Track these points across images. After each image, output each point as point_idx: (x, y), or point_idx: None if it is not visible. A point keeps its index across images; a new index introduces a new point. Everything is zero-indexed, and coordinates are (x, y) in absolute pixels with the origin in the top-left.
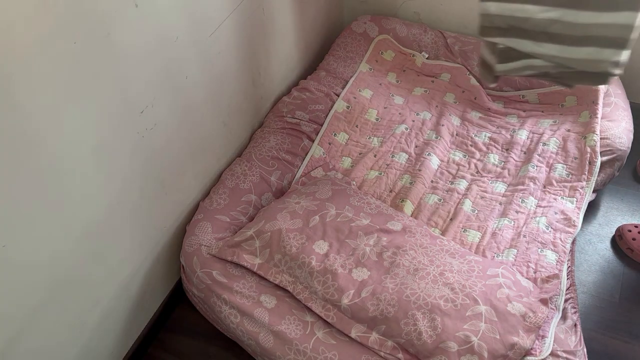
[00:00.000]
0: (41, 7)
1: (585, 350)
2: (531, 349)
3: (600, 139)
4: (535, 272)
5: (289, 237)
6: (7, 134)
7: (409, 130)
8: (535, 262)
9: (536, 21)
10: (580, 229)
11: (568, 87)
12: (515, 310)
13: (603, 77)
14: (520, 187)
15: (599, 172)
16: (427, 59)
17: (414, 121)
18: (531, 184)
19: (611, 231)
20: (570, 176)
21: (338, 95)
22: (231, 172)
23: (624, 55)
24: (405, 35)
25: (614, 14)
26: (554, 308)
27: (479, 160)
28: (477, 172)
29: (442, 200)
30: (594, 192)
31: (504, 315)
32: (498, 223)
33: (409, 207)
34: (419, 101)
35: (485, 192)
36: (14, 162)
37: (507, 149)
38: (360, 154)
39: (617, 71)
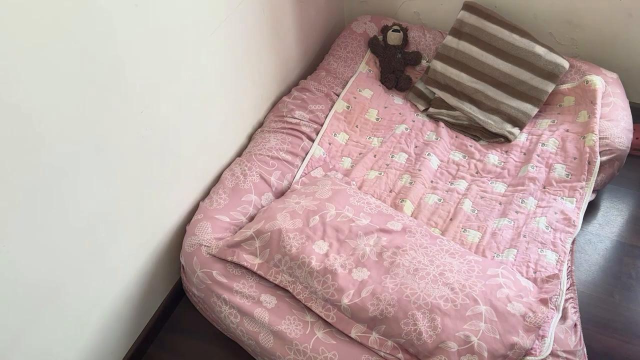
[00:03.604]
0: (41, 7)
1: (585, 350)
2: (531, 348)
3: (600, 138)
4: (535, 272)
5: (288, 237)
6: (8, 134)
7: (409, 130)
8: (535, 262)
9: (465, 86)
10: (580, 229)
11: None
12: (515, 310)
13: (503, 138)
14: (520, 187)
15: (599, 172)
16: (426, 62)
17: (414, 121)
18: (531, 184)
19: (611, 231)
20: (570, 176)
21: (338, 95)
22: (231, 172)
23: (517, 131)
24: None
25: (521, 102)
26: (554, 308)
27: (478, 160)
28: (477, 172)
29: (442, 200)
30: (593, 192)
31: (504, 315)
32: (498, 223)
33: (409, 207)
34: None
35: (485, 192)
36: (14, 162)
37: (506, 150)
38: (360, 154)
39: (512, 137)
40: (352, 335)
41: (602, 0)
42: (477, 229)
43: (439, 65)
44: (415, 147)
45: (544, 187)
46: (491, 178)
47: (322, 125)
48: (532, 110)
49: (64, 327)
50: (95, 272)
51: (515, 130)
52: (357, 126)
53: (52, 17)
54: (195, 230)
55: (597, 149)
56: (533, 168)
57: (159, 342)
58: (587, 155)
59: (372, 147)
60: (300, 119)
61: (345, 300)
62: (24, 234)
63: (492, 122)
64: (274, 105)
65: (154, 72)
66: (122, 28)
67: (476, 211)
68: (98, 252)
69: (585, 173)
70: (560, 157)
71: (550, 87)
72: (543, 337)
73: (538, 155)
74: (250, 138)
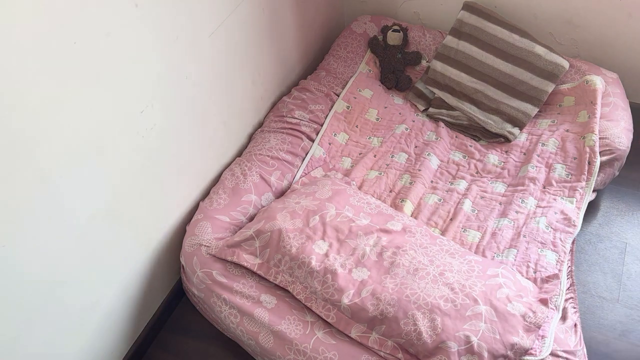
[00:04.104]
0: (41, 6)
1: (585, 350)
2: (531, 348)
3: (600, 138)
4: (535, 272)
5: (288, 237)
6: (8, 134)
7: (409, 130)
8: (535, 262)
9: (464, 86)
10: (580, 229)
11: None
12: (515, 310)
13: (503, 138)
14: (520, 187)
15: (599, 172)
16: (426, 62)
17: (414, 121)
18: (531, 184)
19: (611, 231)
20: (570, 176)
21: (338, 95)
22: (231, 172)
23: (517, 131)
24: None
25: (521, 102)
26: (554, 308)
27: (478, 160)
28: (477, 172)
29: (442, 200)
30: (593, 191)
31: (504, 315)
32: (498, 223)
33: (409, 207)
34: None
35: (485, 192)
36: (14, 162)
37: (506, 150)
38: (360, 154)
39: (512, 138)
40: (352, 335)
41: (602, 0)
42: (477, 229)
43: (439, 65)
44: (415, 147)
45: (544, 187)
46: (491, 178)
47: (322, 125)
48: (532, 110)
49: (64, 327)
50: (95, 272)
51: (515, 130)
52: (357, 126)
53: (52, 17)
54: (195, 230)
55: (597, 149)
56: (533, 168)
57: (159, 342)
58: (587, 155)
59: (372, 147)
60: (300, 119)
61: (345, 300)
62: (24, 234)
63: (492, 122)
64: (274, 105)
65: (154, 72)
66: (122, 28)
67: (476, 211)
68: (98, 252)
69: (585, 173)
70: (560, 157)
71: (550, 87)
72: (543, 337)
73: (538, 155)
74: (250, 138)
